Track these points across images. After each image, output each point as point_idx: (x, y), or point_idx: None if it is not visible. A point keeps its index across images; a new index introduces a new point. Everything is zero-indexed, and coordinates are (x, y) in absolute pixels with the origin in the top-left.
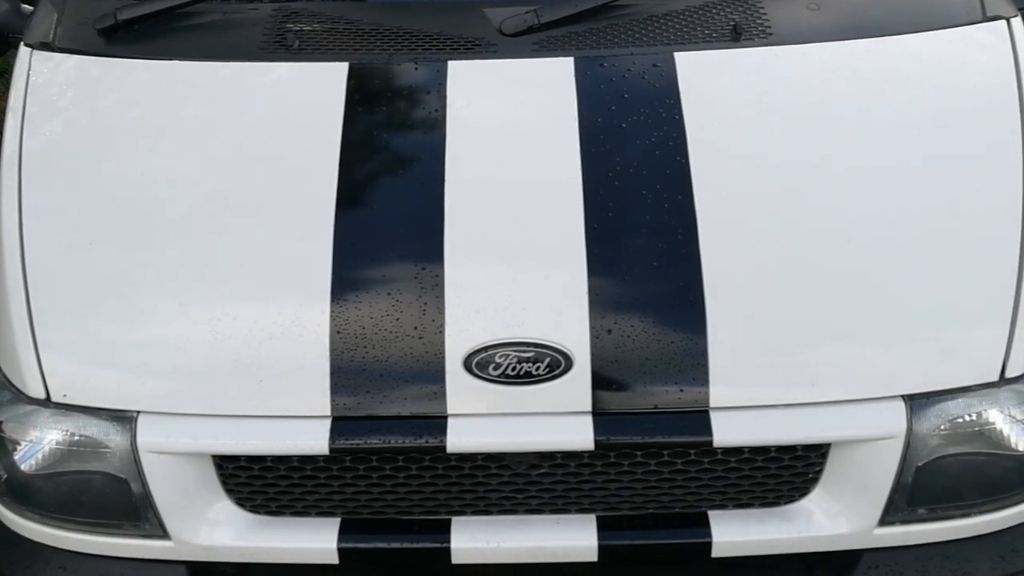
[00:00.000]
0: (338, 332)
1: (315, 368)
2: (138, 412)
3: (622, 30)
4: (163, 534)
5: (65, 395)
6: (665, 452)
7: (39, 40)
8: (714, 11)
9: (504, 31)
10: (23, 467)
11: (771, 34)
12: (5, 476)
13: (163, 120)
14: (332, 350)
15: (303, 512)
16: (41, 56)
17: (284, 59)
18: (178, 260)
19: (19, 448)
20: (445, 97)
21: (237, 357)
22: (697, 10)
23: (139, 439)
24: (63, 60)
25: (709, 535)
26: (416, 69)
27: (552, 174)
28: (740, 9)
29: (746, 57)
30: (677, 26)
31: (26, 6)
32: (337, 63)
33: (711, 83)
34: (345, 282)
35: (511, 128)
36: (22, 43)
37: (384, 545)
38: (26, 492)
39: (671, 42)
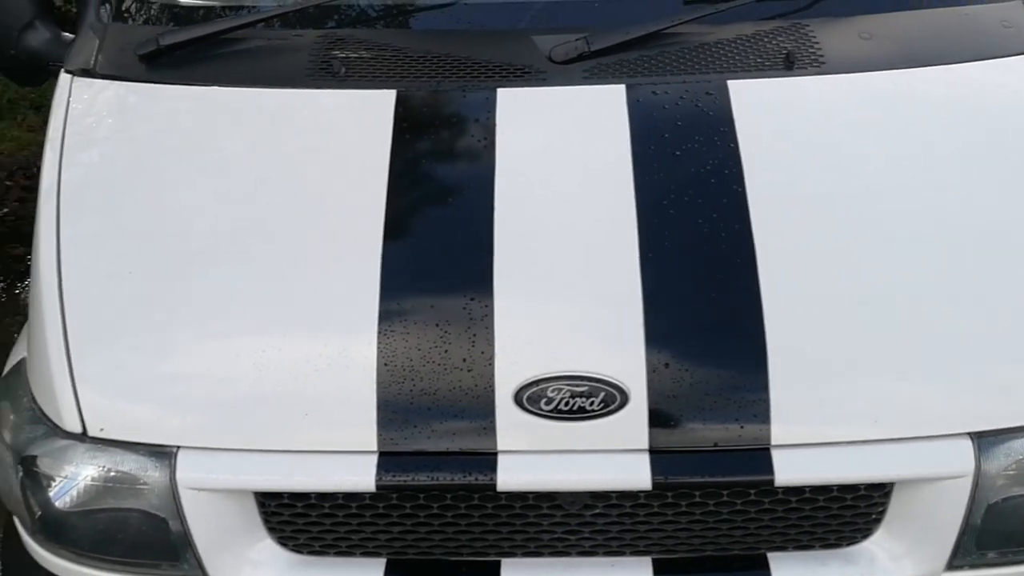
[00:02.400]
0: (385, 364)
1: (362, 401)
2: (178, 447)
3: (673, 58)
4: (202, 574)
5: (102, 429)
6: (724, 492)
7: (80, 67)
8: (766, 39)
9: (554, 59)
10: (58, 503)
11: (824, 63)
12: (39, 513)
13: (206, 147)
14: (379, 383)
15: (347, 552)
16: (82, 83)
17: (330, 86)
18: (221, 291)
19: (54, 484)
20: (494, 125)
21: (281, 390)
22: (749, 38)
23: (178, 475)
24: (104, 86)
25: None
26: (465, 96)
27: (605, 203)
28: (792, 38)
29: (800, 86)
30: (729, 54)
31: (67, 34)
32: (384, 90)
33: (765, 111)
34: (392, 313)
35: (562, 156)
36: (63, 70)
37: None
38: (60, 529)
39: (723, 70)
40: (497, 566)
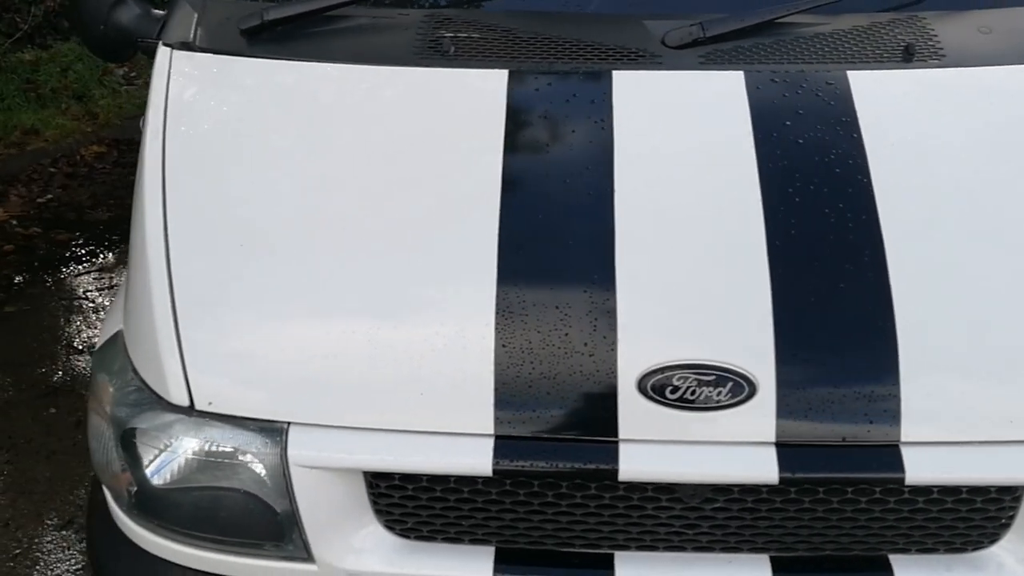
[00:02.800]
0: (503, 346)
1: (479, 383)
2: (288, 423)
3: (789, 47)
4: (307, 557)
5: (210, 403)
6: (849, 489)
7: (179, 40)
8: (883, 31)
9: (668, 43)
10: (159, 479)
11: (944, 56)
12: (138, 488)
13: (312, 121)
14: (497, 365)
15: (456, 538)
16: (182, 56)
17: (439, 65)
18: (335, 267)
19: (156, 458)
20: (611, 106)
21: (397, 369)
22: (865, 30)
23: (290, 452)
24: (205, 60)
25: None
26: (580, 78)
27: (728, 189)
28: (909, 30)
29: (921, 78)
30: (846, 45)
31: (157, 11)
32: (497, 70)
33: (887, 103)
34: (510, 294)
35: (682, 139)
36: (161, 43)
37: None
38: (160, 506)
39: (841, 60)
40: (610, 559)
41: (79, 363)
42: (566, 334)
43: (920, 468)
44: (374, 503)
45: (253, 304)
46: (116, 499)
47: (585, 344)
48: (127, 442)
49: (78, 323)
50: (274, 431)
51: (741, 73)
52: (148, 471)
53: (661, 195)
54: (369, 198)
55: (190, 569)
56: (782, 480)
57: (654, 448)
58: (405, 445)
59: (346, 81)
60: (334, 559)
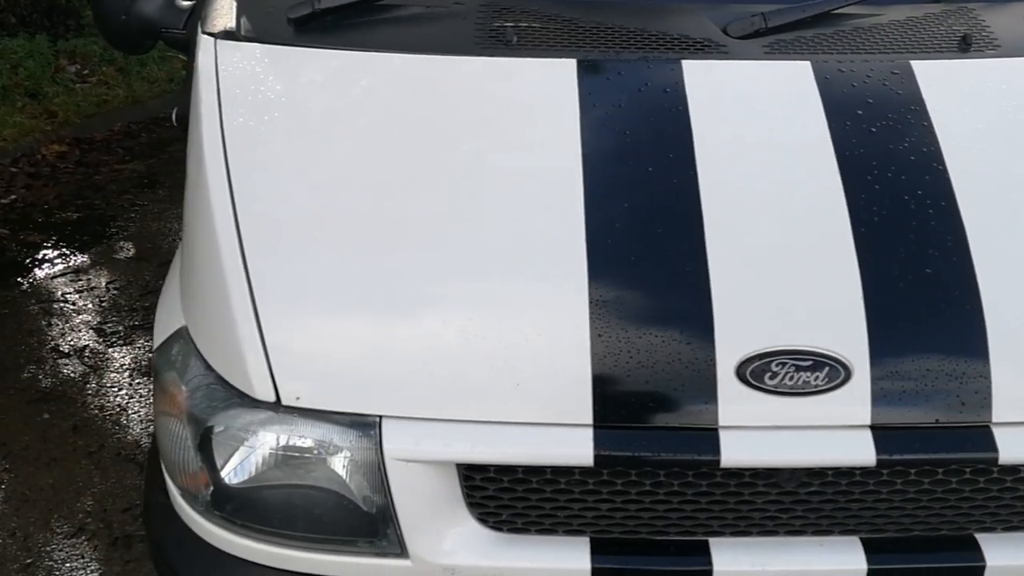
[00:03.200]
0: (599, 335)
1: (576, 373)
2: (380, 417)
3: (851, 37)
4: (400, 552)
5: (298, 398)
6: (940, 470)
7: (221, 30)
8: (937, 22)
9: (730, 33)
10: (242, 478)
11: (999, 46)
12: (214, 488)
13: (380, 112)
14: (593, 354)
15: (550, 530)
16: (228, 45)
17: (503, 54)
18: (420, 258)
19: (242, 456)
20: (685, 96)
21: (491, 359)
22: (920, 20)
23: (385, 446)
24: (254, 50)
25: (982, 559)
26: (649, 67)
27: (809, 176)
28: (962, 21)
29: (982, 68)
30: (905, 35)
31: (182, 1)
32: (564, 59)
33: (952, 91)
34: (603, 284)
35: (759, 128)
36: (201, 32)
37: (642, 567)
38: (243, 506)
39: (903, 50)
40: (705, 545)
41: (67, 367)
42: (662, 323)
43: (1012, 448)
44: (468, 496)
45: (337, 297)
46: (190, 500)
47: (682, 332)
48: (210, 441)
49: (60, 326)
50: (367, 425)
51: (808, 63)
52: (231, 470)
53: (744, 183)
54: (447, 189)
55: (275, 569)
56: (879, 462)
57: (754, 435)
58: (502, 437)
59: (409, 71)
60: (428, 554)
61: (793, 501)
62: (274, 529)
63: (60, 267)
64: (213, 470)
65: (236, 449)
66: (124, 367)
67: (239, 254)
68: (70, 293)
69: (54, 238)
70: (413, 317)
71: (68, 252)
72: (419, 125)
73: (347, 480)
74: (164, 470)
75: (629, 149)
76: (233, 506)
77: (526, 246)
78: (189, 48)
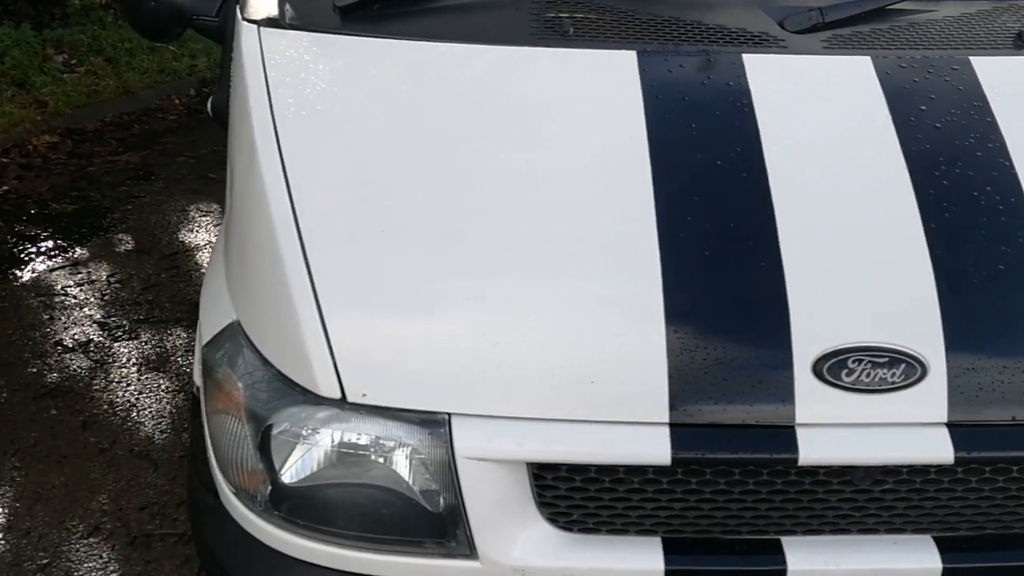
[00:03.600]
0: (674, 332)
1: (652, 371)
2: (449, 415)
3: (907, 32)
4: (470, 553)
5: (364, 395)
6: (1015, 468)
7: (264, 17)
8: (990, 18)
9: (787, 27)
10: (304, 477)
11: None
12: (274, 488)
13: (436, 101)
14: (669, 351)
15: (621, 530)
16: (273, 34)
17: (559, 45)
18: (488, 252)
19: (302, 455)
20: (748, 90)
21: (565, 356)
22: (973, 17)
23: (457, 444)
24: (301, 38)
25: None
26: (711, 61)
27: (877, 171)
28: (1015, 18)
29: None
30: (960, 31)
31: None
32: (623, 51)
33: (1012, 87)
34: (677, 279)
35: (824, 123)
36: (242, 20)
37: (716, 568)
38: (304, 505)
39: (959, 46)
40: (777, 544)
41: (72, 362)
42: (737, 319)
43: None
44: (538, 495)
45: (403, 291)
46: (246, 500)
47: (757, 329)
48: (271, 439)
49: (62, 320)
50: (436, 423)
51: (868, 58)
52: (292, 469)
53: (812, 178)
54: (512, 181)
55: (336, 570)
56: (957, 460)
57: (831, 432)
58: (576, 435)
59: (465, 61)
60: (499, 555)
61: (867, 499)
62: (337, 529)
63: (59, 260)
64: (273, 469)
65: (298, 447)
66: (131, 362)
67: (298, 247)
68: (70, 286)
69: (50, 230)
70: (483, 313)
71: (66, 245)
72: (478, 116)
73: (415, 480)
74: (215, 469)
75: (696, 143)
76: (293, 506)
77: (597, 241)
78: (224, 36)
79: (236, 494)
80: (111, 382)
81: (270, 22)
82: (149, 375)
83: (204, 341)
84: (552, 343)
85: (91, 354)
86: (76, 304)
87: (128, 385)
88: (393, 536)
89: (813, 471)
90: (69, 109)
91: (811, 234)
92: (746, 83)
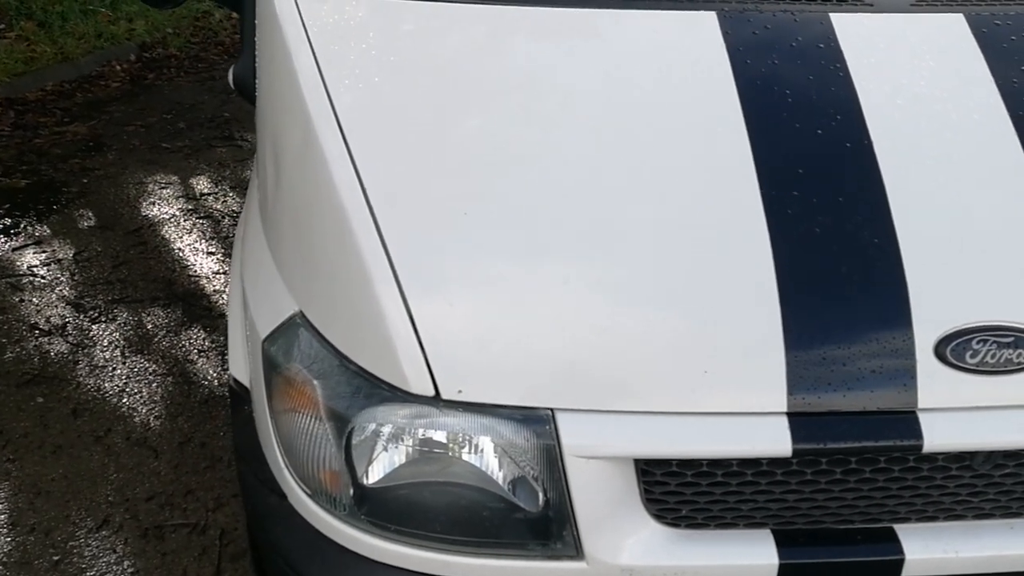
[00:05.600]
0: (790, 317)
1: (768, 358)
2: (553, 410)
3: None
4: (576, 554)
5: (460, 391)
6: None
7: None
8: None
9: None
10: (393, 479)
11: None
12: (360, 490)
13: (505, 69)
14: (786, 337)
15: (731, 524)
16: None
17: (633, 7)
18: (585, 229)
19: (388, 456)
20: (841, 51)
21: (676, 345)
22: None
23: (564, 441)
24: (345, 3)
25: None
26: (796, 21)
27: (984, 134)
28: None
29: None
30: None
31: None
32: (703, 12)
33: None
34: (789, 260)
35: (925, 85)
36: None
37: (831, 559)
38: (395, 508)
39: None
40: (892, 532)
41: (51, 346)
42: (854, 301)
43: None
44: (645, 491)
45: (496, 280)
46: (325, 502)
47: (876, 310)
48: (359, 439)
49: (34, 302)
50: (539, 420)
51: (961, 15)
52: (381, 470)
53: (920, 145)
54: (597, 155)
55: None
56: None
57: (955, 417)
58: (691, 429)
59: (526, 25)
60: (607, 555)
61: (986, 484)
62: (431, 533)
63: (20, 239)
64: (358, 471)
65: (385, 448)
66: (113, 344)
67: (374, 231)
68: (36, 266)
69: (6, 207)
70: (584, 300)
71: (24, 222)
72: (551, 85)
73: (516, 480)
74: (284, 470)
75: (793, 111)
76: (381, 509)
77: (701, 220)
78: (241, 2)
79: (313, 496)
80: (96, 366)
81: None
82: (134, 358)
83: (263, 335)
84: (662, 332)
85: (69, 337)
86: (45, 285)
87: (114, 369)
88: (493, 539)
89: (932, 457)
90: (7, 77)
91: (925, 207)
92: (838, 45)
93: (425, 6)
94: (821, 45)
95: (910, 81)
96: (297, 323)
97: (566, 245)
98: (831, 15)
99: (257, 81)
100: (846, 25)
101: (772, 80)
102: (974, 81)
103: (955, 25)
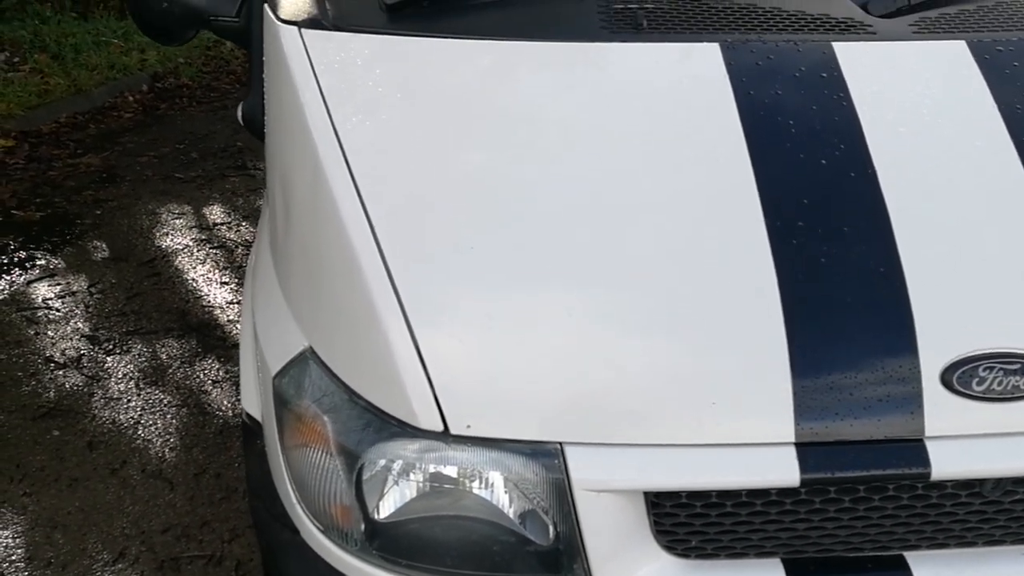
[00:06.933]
0: (796, 345)
1: (775, 388)
2: (561, 444)
3: (995, 14)
4: None
5: (468, 426)
6: None
7: (305, 18)
8: None
9: (872, 11)
10: (403, 514)
11: None
12: (371, 525)
13: (510, 103)
14: (792, 366)
15: (740, 553)
16: (317, 36)
17: (634, 40)
18: (587, 259)
19: (398, 490)
20: (844, 80)
21: (682, 376)
22: None
23: (573, 475)
24: (350, 39)
25: None
26: (799, 50)
27: (988, 162)
28: None
29: None
30: None
31: None
32: (705, 43)
33: None
34: (793, 288)
35: (929, 113)
36: (277, 21)
37: None
38: (406, 543)
39: None
40: (901, 560)
41: (67, 379)
42: (859, 328)
43: None
44: (656, 523)
45: (503, 314)
46: (337, 538)
47: (881, 338)
48: (368, 474)
49: (49, 335)
50: (548, 453)
51: (963, 42)
52: (391, 505)
53: (923, 173)
54: (603, 187)
55: None
56: None
57: (963, 444)
58: (700, 460)
59: (531, 59)
60: None
61: (996, 511)
62: (442, 568)
63: (35, 271)
64: (368, 506)
65: (396, 483)
66: (128, 376)
67: (381, 266)
68: (51, 299)
69: (20, 240)
70: (591, 332)
71: (39, 255)
72: (555, 119)
73: (525, 514)
74: (296, 505)
75: (797, 140)
76: (392, 544)
77: (705, 248)
78: (250, 38)
79: (325, 532)
80: (111, 399)
81: (311, 23)
82: (149, 389)
83: (273, 371)
84: (668, 363)
85: (84, 370)
86: (60, 317)
87: (129, 401)
88: (503, 573)
89: (941, 484)
90: (20, 111)
91: (928, 234)
92: (840, 74)
93: (429, 42)
94: (824, 74)
95: (913, 108)
96: (307, 358)
97: (572, 277)
98: (833, 44)
99: (266, 117)
100: (849, 53)
101: (775, 109)
102: (977, 108)
103: (957, 52)
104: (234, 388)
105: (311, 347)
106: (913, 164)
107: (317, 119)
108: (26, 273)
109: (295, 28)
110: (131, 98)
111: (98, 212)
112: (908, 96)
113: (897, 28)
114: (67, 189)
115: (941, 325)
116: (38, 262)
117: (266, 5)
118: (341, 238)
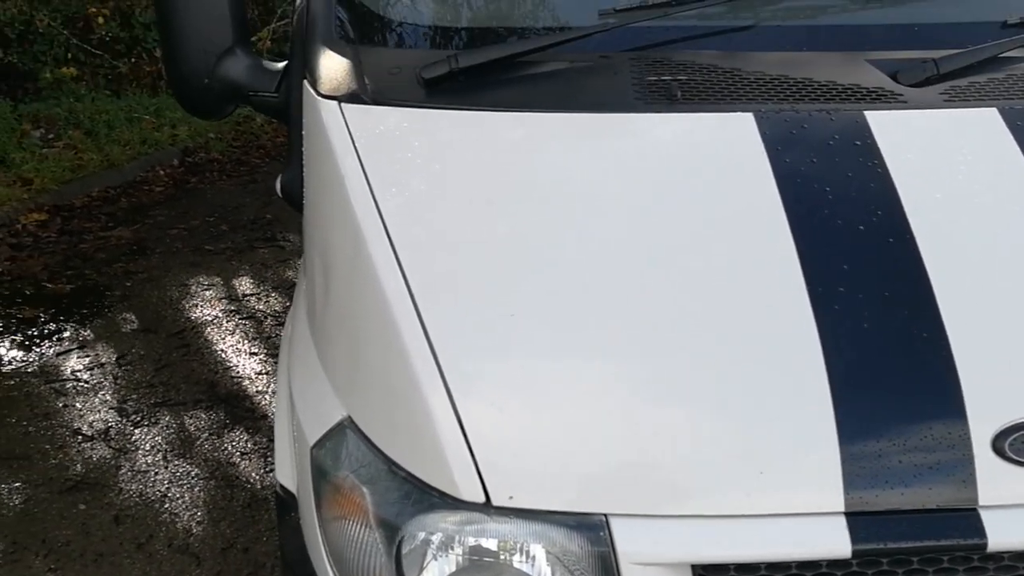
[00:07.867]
0: (844, 413)
1: (824, 457)
2: (607, 515)
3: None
4: None
5: (511, 497)
6: None
7: (344, 92)
8: None
9: (902, 81)
10: None
11: None
12: None
13: (549, 175)
14: (840, 434)
15: None
16: (357, 110)
17: (669, 110)
18: (629, 330)
19: (440, 563)
20: (878, 149)
21: (728, 446)
22: None
23: (619, 548)
24: (389, 113)
25: None
26: (832, 120)
27: None
28: None
29: None
30: None
31: (268, 62)
32: (739, 113)
33: None
34: (838, 356)
35: (964, 179)
36: (317, 96)
37: None
38: None
39: None
40: None
41: (94, 451)
42: (907, 396)
43: None
44: None
45: (545, 383)
46: None
47: (930, 406)
48: (408, 548)
49: (77, 407)
50: (593, 526)
51: (995, 110)
52: None
53: (963, 238)
54: (643, 258)
55: None
56: None
57: (1019, 513)
58: (749, 532)
59: (567, 131)
60: None
61: None
62: None
63: (64, 343)
64: None
65: (436, 557)
66: (156, 449)
67: (422, 335)
68: (80, 371)
69: (51, 312)
70: (635, 402)
71: (69, 327)
72: (593, 190)
73: None
74: None
75: (834, 207)
76: None
77: (748, 318)
78: (289, 113)
79: None
80: (138, 471)
81: (351, 97)
82: (176, 462)
83: (311, 441)
84: (715, 433)
85: (112, 442)
86: (89, 389)
87: (156, 474)
88: None
89: (998, 556)
90: (55, 185)
91: (971, 299)
92: (874, 142)
93: (466, 115)
94: (858, 142)
95: (948, 175)
96: (345, 428)
97: (615, 346)
98: (866, 112)
99: (304, 189)
100: (881, 122)
101: (812, 178)
102: (1011, 174)
103: (989, 119)
104: (262, 460)
105: (349, 417)
106: (951, 229)
107: (357, 190)
108: (56, 345)
109: (335, 103)
110: (162, 172)
111: (128, 284)
112: (943, 162)
113: (928, 97)
114: (98, 261)
115: (989, 391)
116: (68, 334)
117: (306, 81)
118: (382, 307)
